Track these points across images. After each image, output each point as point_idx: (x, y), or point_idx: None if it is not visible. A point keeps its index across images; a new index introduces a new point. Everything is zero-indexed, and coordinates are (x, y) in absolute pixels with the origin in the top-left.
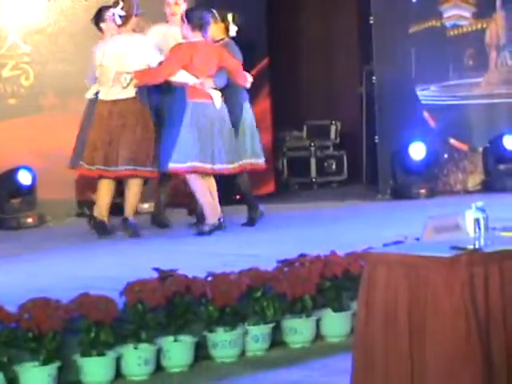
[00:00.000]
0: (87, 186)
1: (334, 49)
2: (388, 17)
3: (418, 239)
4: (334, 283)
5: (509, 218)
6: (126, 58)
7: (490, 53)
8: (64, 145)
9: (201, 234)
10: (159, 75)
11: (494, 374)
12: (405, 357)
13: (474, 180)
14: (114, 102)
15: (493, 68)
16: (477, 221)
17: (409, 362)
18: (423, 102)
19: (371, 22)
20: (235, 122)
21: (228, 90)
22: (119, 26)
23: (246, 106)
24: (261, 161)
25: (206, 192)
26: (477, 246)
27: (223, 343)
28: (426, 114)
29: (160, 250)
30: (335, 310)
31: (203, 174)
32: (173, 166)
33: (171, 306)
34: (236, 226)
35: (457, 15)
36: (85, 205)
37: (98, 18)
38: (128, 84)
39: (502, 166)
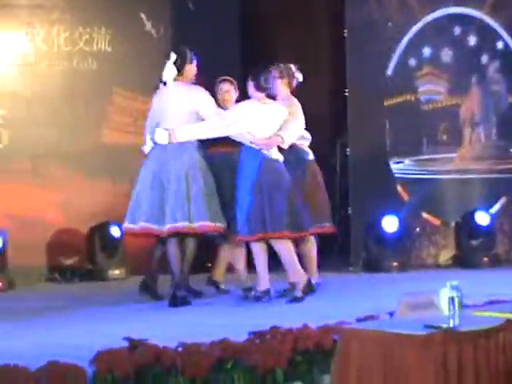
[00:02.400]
0: (58, 250)
1: (307, 120)
2: (363, 89)
3: (390, 314)
4: (305, 357)
5: (480, 295)
6: None
7: (464, 128)
8: (36, 209)
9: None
10: None
11: None
12: None
13: (446, 255)
14: None
15: (467, 144)
16: (451, 299)
17: None
18: (397, 175)
19: (346, 94)
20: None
21: None
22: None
23: None
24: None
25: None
26: (451, 325)
27: None
28: (399, 188)
29: (132, 318)
30: None
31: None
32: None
33: (141, 377)
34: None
35: (432, 90)
36: (55, 270)
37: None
38: None
39: (473, 242)
